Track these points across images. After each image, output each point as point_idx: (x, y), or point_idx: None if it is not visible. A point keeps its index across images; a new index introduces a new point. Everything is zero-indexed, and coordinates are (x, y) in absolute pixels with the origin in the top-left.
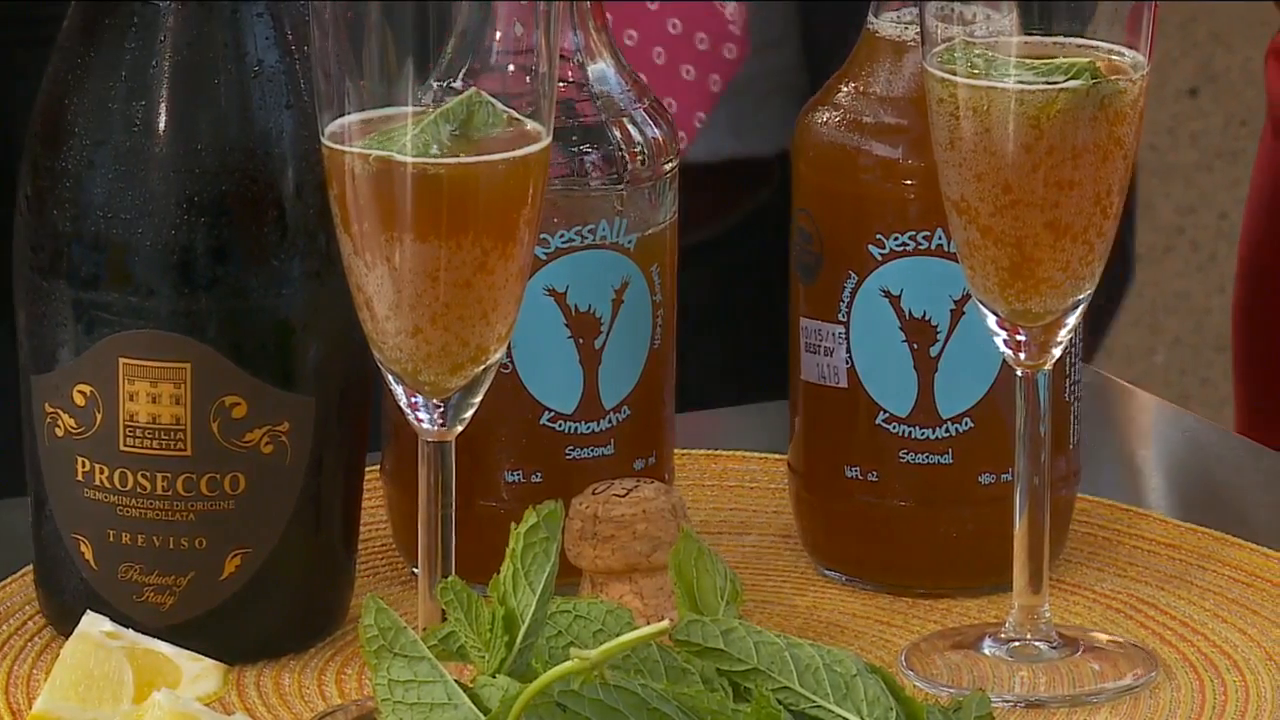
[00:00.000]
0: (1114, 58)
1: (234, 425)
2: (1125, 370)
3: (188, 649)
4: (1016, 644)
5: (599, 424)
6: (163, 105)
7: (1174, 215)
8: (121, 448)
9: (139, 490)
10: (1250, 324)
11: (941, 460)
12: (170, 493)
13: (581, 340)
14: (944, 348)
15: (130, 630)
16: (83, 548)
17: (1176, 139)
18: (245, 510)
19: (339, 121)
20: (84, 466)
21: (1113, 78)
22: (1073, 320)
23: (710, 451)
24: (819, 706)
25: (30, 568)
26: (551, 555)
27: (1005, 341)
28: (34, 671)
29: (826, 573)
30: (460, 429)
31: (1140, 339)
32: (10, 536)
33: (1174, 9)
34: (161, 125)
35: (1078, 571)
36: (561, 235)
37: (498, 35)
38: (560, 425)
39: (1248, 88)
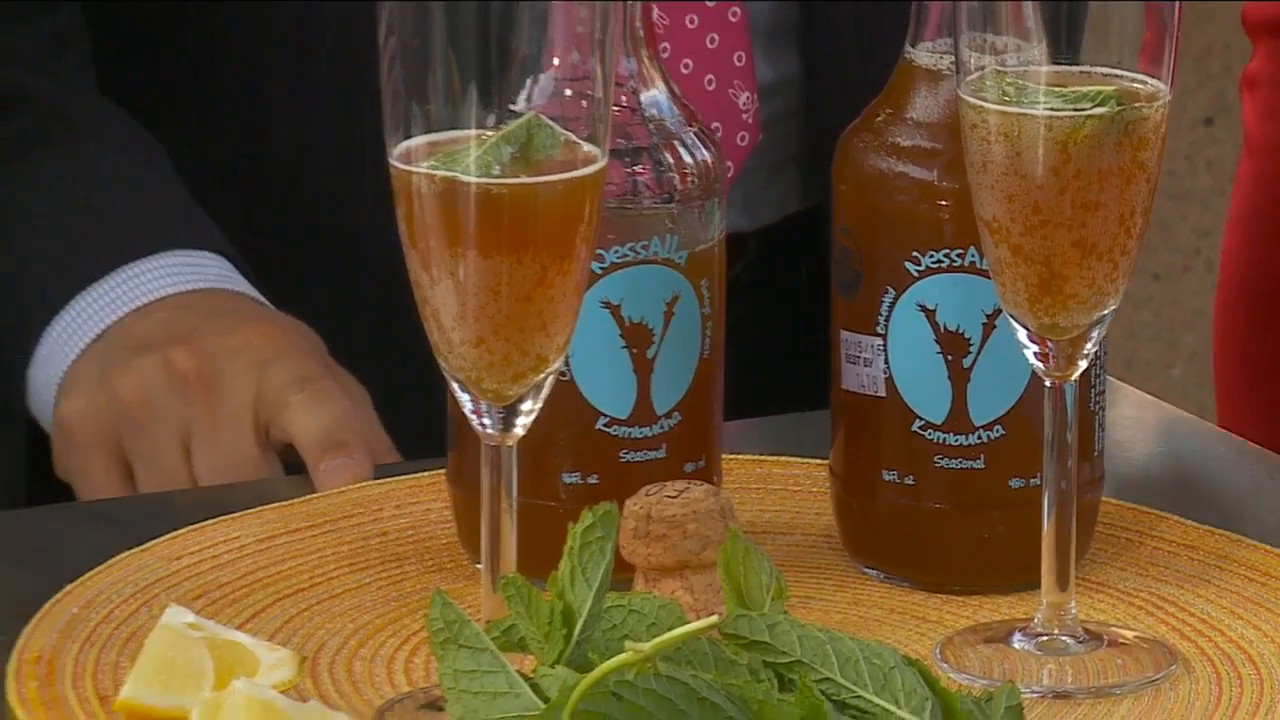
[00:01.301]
0: (1137, 86)
1: None
2: (1145, 383)
3: None
4: (1044, 638)
5: (651, 429)
6: None
7: (1191, 237)
8: None
9: None
10: (1227, 327)
11: (974, 465)
12: None
13: (635, 350)
14: (976, 359)
15: (210, 622)
16: None
17: (1193, 165)
18: None
19: (406, 143)
20: None
21: (1136, 105)
22: (1098, 334)
23: (756, 456)
24: (859, 697)
25: (121, 558)
26: (607, 553)
27: (1034, 354)
28: (120, 659)
29: (866, 571)
30: (521, 433)
31: (1159, 354)
32: (98, 527)
33: (1190, 43)
34: None
35: (1102, 571)
36: (616, 251)
37: (556, 63)
38: (615, 430)
39: None
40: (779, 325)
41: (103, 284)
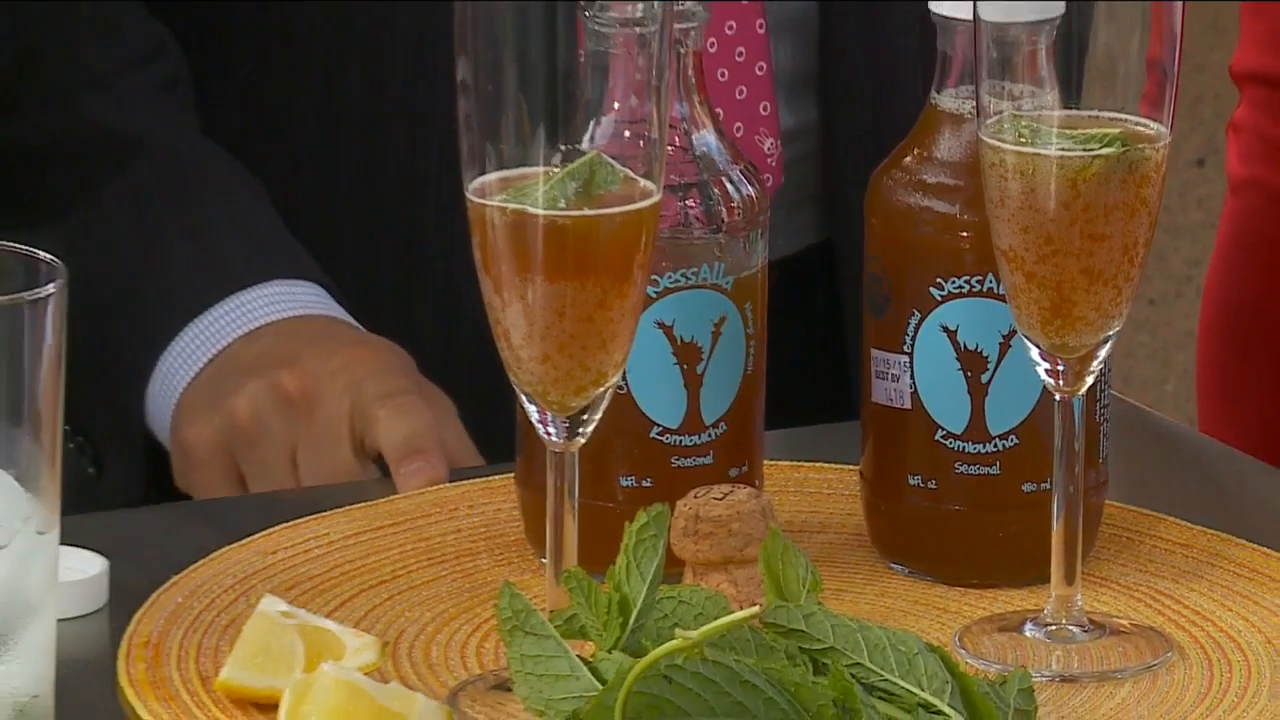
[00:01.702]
0: (1141, 129)
1: None
2: (1143, 396)
3: None
4: (1053, 628)
5: (700, 437)
6: None
7: (1183, 266)
8: None
9: None
10: (1208, 346)
11: (990, 471)
12: None
13: (686, 366)
14: (993, 375)
15: (302, 610)
16: None
17: (1186, 202)
18: None
19: (480, 179)
20: None
21: (1139, 146)
22: (1104, 353)
23: (793, 462)
24: (886, 680)
25: (222, 553)
26: (659, 549)
27: (1046, 370)
28: (220, 644)
29: (892, 566)
30: (582, 441)
31: (1154, 371)
32: (202, 525)
33: (1184, 92)
34: None
35: (1105, 567)
36: (669, 276)
37: (616, 107)
38: (667, 438)
39: None
40: (797, 344)
41: (213, 311)
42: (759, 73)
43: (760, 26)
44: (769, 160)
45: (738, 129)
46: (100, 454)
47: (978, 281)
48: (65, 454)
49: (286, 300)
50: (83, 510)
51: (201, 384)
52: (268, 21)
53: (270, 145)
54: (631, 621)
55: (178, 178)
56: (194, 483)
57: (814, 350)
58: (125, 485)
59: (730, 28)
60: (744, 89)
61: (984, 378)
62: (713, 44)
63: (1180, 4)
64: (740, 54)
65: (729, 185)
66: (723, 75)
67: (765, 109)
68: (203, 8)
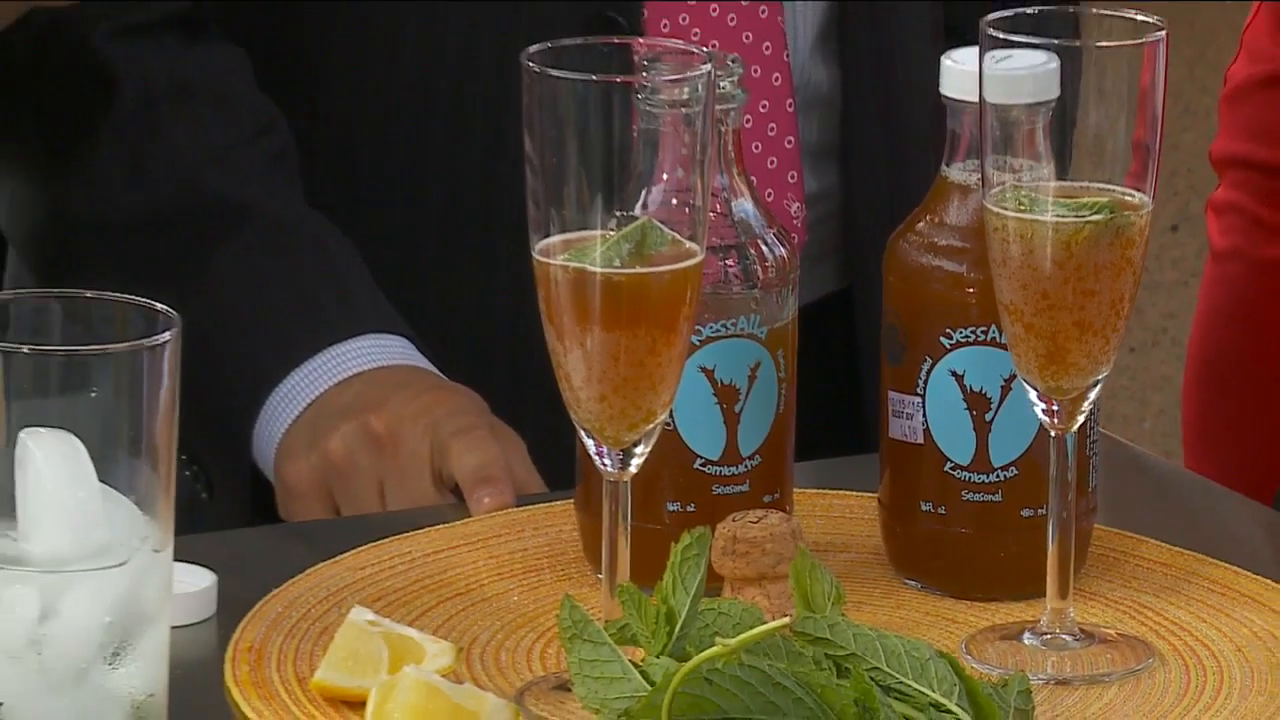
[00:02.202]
0: (1127, 198)
1: None
2: (1124, 432)
3: None
4: (1049, 636)
5: (737, 468)
6: None
7: (1159, 318)
8: None
9: None
10: (1192, 397)
11: (993, 499)
12: None
13: (725, 406)
14: (996, 414)
15: (386, 619)
16: None
17: (1162, 263)
18: None
19: (545, 241)
20: None
21: (1126, 213)
22: (1093, 395)
23: (820, 490)
24: (901, 683)
25: (316, 569)
26: (701, 566)
27: (1043, 410)
28: (314, 649)
29: (907, 582)
30: (634, 471)
31: (1134, 410)
32: (299, 544)
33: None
34: None
35: (1095, 583)
36: (711, 327)
37: (665, 178)
38: (708, 469)
39: None
40: (817, 381)
41: (312, 361)
42: (788, 145)
43: (790, 105)
44: (795, 221)
45: (769, 194)
46: (212, 481)
47: (983, 332)
48: (181, 480)
49: (375, 351)
50: (195, 530)
51: (301, 425)
52: (360, 99)
53: (363, 210)
54: (677, 630)
55: (282, 241)
56: (294, 512)
57: (834, 386)
58: (233, 509)
59: (764, 106)
60: (775, 159)
61: (988, 416)
62: (748, 120)
63: (1161, 91)
64: (772, 129)
65: (764, 247)
66: (756, 148)
67: (793, 177)
68: (298, 81)
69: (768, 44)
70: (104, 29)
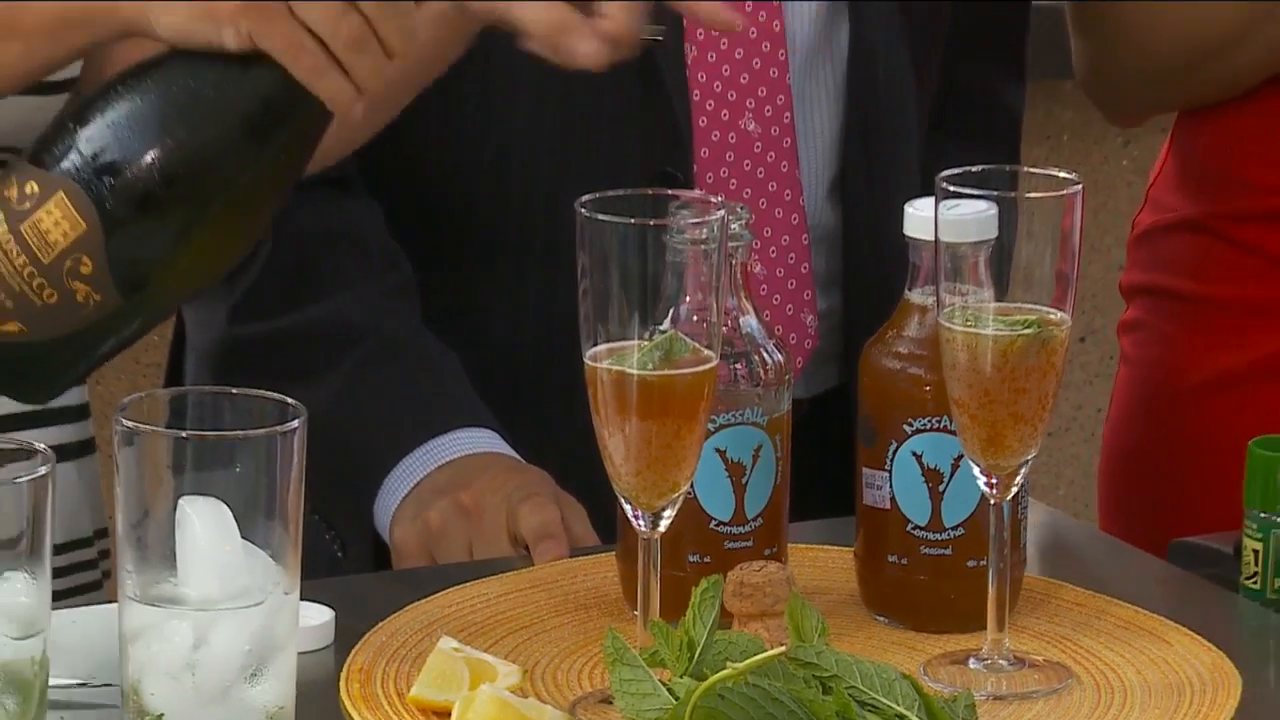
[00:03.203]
0: (1050, 316)
1: None
2: (1043, 498)
3: None
4: (989, 662)
5: (744, 528)
6: None
7: (1070, 410)
8: None
9: None
10: (1108, 474)
11: (945, 553)
12: None
13: (734, 478)
14: (948, 486)
15: (468, 647)
16: None
17: (1072, 366)
18: None
19: (594, 349)
20: None
21: (1049, 328)
22: (1024, 470)
23: (809, 545)
24: (873, 698)
25: (413, 606)
26: (716, 606)
27: (984, 483)
28: (411, 670)
29: (877, 619)
30: (663, 530)
31: (1050, 481)
32: (400, 587)
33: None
34: None
35: (1025, 619)
36: (723, 416)
37: (688, 299)
38: (721, 528)
39: (1115, 338)
40: (823, 457)
41: (418, 450)
42: (803, 271)
43: (805, 240)
44: (809, 330)
45: (789, 309)
46: (345, 543)
47: (937, 421)
48: (322, 543)
49: (467, 442)
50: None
51: (409, 501)
52: (473, 236)
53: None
54: (697, 656)
55: (396, 353)
56: (404, 568)
57: (836, 461)
58: (361, 565)
59: (785, 240)
60: (793, 282)
61: (941, 487)
62: (773, 250)
63: (1079, 232)
64: (791, 258)
65: (765, 354)
66: (780, 273)
67: (807, 295)
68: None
69: (788, 191)
70: None
